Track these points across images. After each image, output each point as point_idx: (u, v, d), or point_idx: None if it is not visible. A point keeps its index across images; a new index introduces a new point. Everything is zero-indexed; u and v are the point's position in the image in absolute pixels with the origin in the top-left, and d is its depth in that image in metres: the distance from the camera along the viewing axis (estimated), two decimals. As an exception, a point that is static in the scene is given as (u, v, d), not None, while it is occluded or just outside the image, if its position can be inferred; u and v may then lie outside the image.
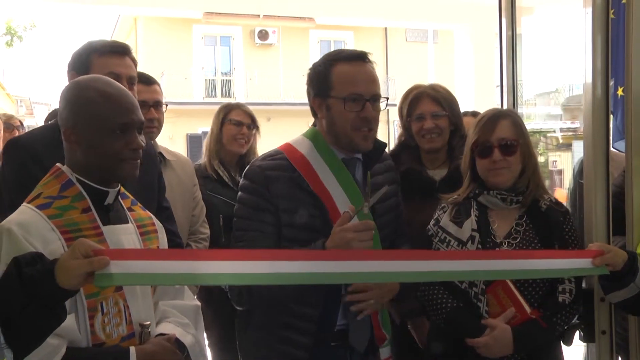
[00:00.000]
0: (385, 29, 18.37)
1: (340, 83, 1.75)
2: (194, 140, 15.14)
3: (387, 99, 1.88)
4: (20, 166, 1.76)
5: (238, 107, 3.03)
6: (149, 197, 1.99)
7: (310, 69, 1.85)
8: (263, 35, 17.67)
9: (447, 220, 1.96)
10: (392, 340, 1.93)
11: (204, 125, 3.01)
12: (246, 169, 1.86)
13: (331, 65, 1.78)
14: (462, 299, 1.86)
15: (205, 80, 18.25)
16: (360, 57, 1.79)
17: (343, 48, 2.11)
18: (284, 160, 1.78)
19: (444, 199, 2.02)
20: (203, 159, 2.97)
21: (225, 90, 18.24)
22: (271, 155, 1.82)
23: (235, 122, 2.92)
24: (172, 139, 14.41)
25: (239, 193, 1.85)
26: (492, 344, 1.76)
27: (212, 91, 18.13)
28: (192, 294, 1.75)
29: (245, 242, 1.75)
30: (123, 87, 1.52)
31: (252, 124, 2.96)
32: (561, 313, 1.82)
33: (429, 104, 2.33)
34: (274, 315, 1.78)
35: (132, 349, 1.39)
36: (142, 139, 1.49)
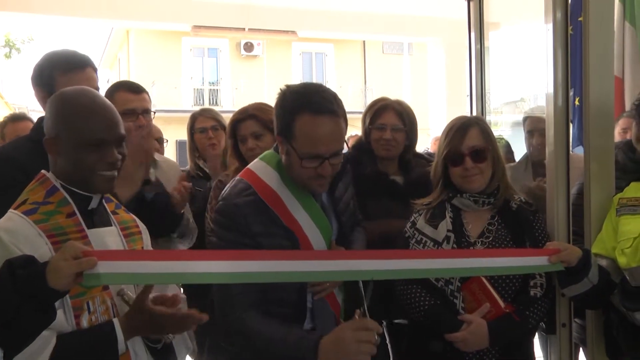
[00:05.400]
0: (364, 41, 18.39)
1: (301, 139, 1.55)
2: (182, 146, 14.96)
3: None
4: (5, 175, 1.72)
5: (201, 114, 3.01)
6: None
7: (279, 98, 1.62)
8: (248, 47, 17.63)
9: (422, 222, 1.94)
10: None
11: (193, 132, 3.03)
12: (221, 205, 1.69)
13: (297, 112, 1.56)
14: (439, 296, 1.84)
15: (194, 89, 18.11)
16: (327, 111, 1.55)
17: (318, 87, 1.61)
18: (255, 196, 1.65)
19: (417, 205, 2.00)
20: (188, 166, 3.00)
21: (213, 98, 18.12)
22: (243, 191, 1.66)
23: (200, 129, 2.91)
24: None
25: (217, 228, 1.68)
26: (469, 338, 1.75)
27: (200, 99, 17.99)
28: (176, 287, 1.69)
29: None
30: (107, 102, 1.47)
31: (217, 124, 2.92)
32: (533, 306, 1.82)
33: (391, 117, 2.38)
34: None
35: (115, 320, 1.36)
36: (121, 151, 1.46)
